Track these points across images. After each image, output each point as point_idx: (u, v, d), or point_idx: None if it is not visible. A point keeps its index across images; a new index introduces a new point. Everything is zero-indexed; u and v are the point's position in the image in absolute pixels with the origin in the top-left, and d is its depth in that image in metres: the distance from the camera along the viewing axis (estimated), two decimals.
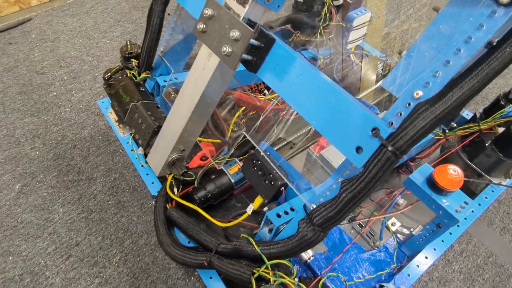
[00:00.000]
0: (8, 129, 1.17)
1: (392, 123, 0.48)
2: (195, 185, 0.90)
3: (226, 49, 0.53)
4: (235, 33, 0.51)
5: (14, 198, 1.01)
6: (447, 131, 0.98)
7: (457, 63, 0.44)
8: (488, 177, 0.94)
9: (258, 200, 0.76)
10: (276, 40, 0.56)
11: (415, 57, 0.47)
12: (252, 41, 0.54)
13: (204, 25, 0.55)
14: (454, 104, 0.42)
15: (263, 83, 1.20)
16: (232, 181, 0.90)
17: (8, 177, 1.05)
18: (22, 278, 0.86)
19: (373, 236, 0.88)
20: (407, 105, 0.47)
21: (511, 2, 0.39)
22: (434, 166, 0.72)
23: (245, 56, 0.55)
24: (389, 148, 0.45)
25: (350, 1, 1.20)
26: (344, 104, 0.50)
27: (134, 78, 0.86)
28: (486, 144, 0.92)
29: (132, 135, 1.03)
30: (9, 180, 1.04)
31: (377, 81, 1.27)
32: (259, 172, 0.73)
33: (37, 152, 1.12)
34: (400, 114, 0.47)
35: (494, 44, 0.42)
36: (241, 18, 0.52)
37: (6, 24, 1.55)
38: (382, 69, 1.30)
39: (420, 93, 0.46)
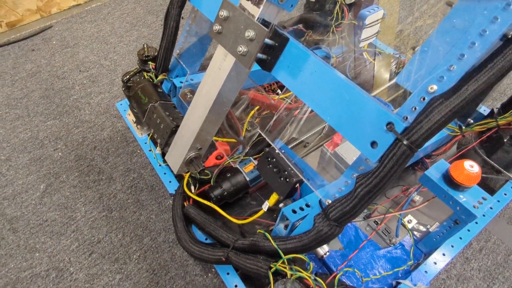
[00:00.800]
0: (32, 131, 1.23)
1: (406, 118, 0.48)
2: (211, 183, 0.92)
3: (242, 48, 0.54)
4: (250, 33, 0.53)
5: (39, 197, 1.05)
6: (463, 127, 0.97)
7: (472, 57, 0.44)
8: (507, 173, 0.93)
9: (274, 197, 0.77)
10: (290, 39, 0.57)
11: (429, 51, 0.48)
12: (267, 40, 0.55)
13: (220, 26, 0.57)
14: (469, 97, 0.42)
15: (276, 83, 1.21)
16: (247, 179, 0.92)
17: (33, 178, 1.10)
18: (48, 274, 0.90)
19: (389, 233, 0.88)
20: (422, 99, 0.47)
21: None
22: (450, 163, 0.71)
23: (260, 55, 0.57)
24: (404, 142, 0.46)
25: None
26: (359, 100, 0.50)
27: (151, 80, 0.88)
28: (505, 140, 0.90)
29: (150, 135, 1.06)
30: (34, 181, 1.09)
31: (390, 79, 1.26)
32: (274, 170, 0.74)
33: (60, 154, 1.16)
34: (415, 108, 0.48)
35: (510, 36, 0.42)
36: (255, 19, 0.53)
37: (28, 31, 1.61)
38: (395, 67, 1.29)
39: (435, 87, 0.46)
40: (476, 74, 0.43)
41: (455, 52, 0.45)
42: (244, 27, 0.54)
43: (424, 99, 0.47)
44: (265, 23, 0.55)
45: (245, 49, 0.54)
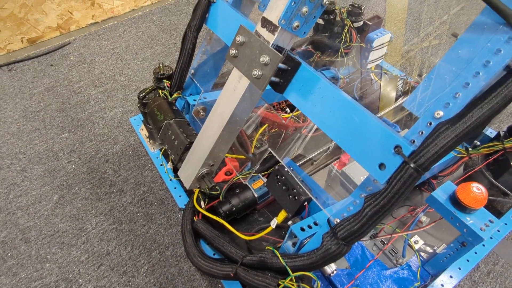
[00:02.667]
0: (48, 144, 1.27)
1: (414, 141, 0.50)
2: (220, 199, 0.94)
3: (256, 72, 0.57)
4: (265, 58, 0.56)
5: (52, 208, 1.08)
6: (470, 149, 0.98)
7: (476, 85, 0.46)
8: None
9: (282, 214, 0.78)
10: (302, 63, 0.61)
11: (436, 79, 0.50)
12: (280, 64, 0.58)
13: (236, 51, 0.61)
14: (474, 124, 0.45)
15: (285, 101, 1.24)
16: (256, 195, 0.94)
17: (47, 189, 1.13)
18: (57, 285, 0.92)
19: (396, 253, 0.88)
20: (428, 124, 0.49)
21: None
22: (457, 184, 0.72)
23: (273, 78, 0.60)
24: (412, 165, 0.47)
25: (370, 23, 1.24)
26: (368, 123, 0.53)
27: (166, 98, 0.92)
28: (511, 163, 0.91)
29: (162, 150, 1.09)
30: (47, 192, 1.12)
31: (396, 99, 1.29)
32: (284, 187, 0.76)
33: (73, 166, 1.20)
34: (422, 133, 0.50)
35: None
36: (270, 45, 0.56)
37: (48, 47, 1.69)
38: (402, 87, 1.32)
39: (441, 113, 0.48)
40: (480, 102, 0.45)
41: (460, 81, 0.47)
42: (259, 52, 0.57)
43: (430, 124, 0.49)
44: (279, 48, 0.58)
45: (259, 73, 0.57)
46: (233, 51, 0.61)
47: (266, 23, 0.57)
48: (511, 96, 0.44)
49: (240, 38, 0.59)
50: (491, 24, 0.45)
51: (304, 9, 0.54)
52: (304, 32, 0.59)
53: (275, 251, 0.67)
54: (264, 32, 0.58)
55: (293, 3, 0.53)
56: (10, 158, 1.22)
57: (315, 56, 1.31)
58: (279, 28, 0.55)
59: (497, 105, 0.44)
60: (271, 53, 0.56)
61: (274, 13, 0.55)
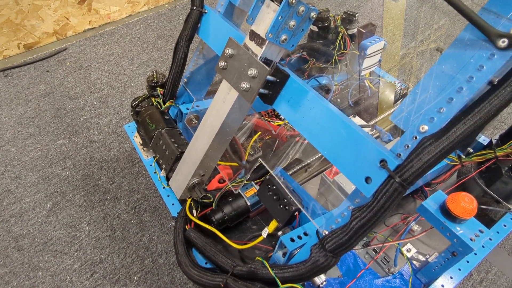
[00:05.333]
0: (43, 150, 1.27)
1: (400, 155, 0.50)
2: (213, 207, 0.94)
3: (245, 85, 0.58)
4: (252, 71, 0.56)
5: (45, 215, 1.08)
6: (463, 156, 0.98)
7: (460, 101, 0.47)
8: (507, 204, 0.93)
9: (273, 224, 0.78)
10: (291, 75, 0.61)
11: (421, 93, 0.51)
12: (269, 77, 0.59)
13: (225, 63, 0.61)
14: (457, 140, 0.45)
15: None
16: (248, 203, 0.94)
17: (40, 196, 1.13)
18: None
19: (388, 262, 0.88)
20: (414, 138, 0.50)
21: (508, 46, 0.42)
22: (450, 192, 0.73)
23: (262, 90, 0.60)
24: (397, 180, 0.48)
25: (364, 31, 1.25)
26: (354, 137, 0.53)
27: (159, 106, 0.92)
28: (503, 171, 0.91)
29: (156, 158, 1.09)
30: (41, 199, 1.12)
31: (394, 105, 1.30)
32: (274, 197, 0.76)
33: (68, 173, 1.20)
34: (408, 146, 0.50)
35: (495, 83, 0.45)
36: (258, 58, 0.57)
37: (44, 53, 1.69)
38: (400, 93, 1.33)
39: (426, 127, 0.49)
40: (464, 117, 0.46)
41: (444, 96, 0.48)
42: (247, 65, 0.58)
43: (416, 138, 0.49)
44: (267, 61, 0.59)
45: (247, 85, 0.58)
46: (222, 63, 0.61)
47: (254, 36, 0.57)
48: (494, 111, 0.44)
49: (229, 51, 0.60)
50: (474, 41, 0.45)
51: (292, 23, 0.55)
52: (293, 45, 0.60)
53: (265, 262, 0.67)
54: (252, 45, 0.58)
55: (280, 17, 0.53)
56: (5, 164, 1.22)
57: (310, 62, 1.32)
58: (267, 41, 0.56)
59: (480, 121, 0.45)
60: (259, 66, 0.56)
61: (261, 27, 0.56)
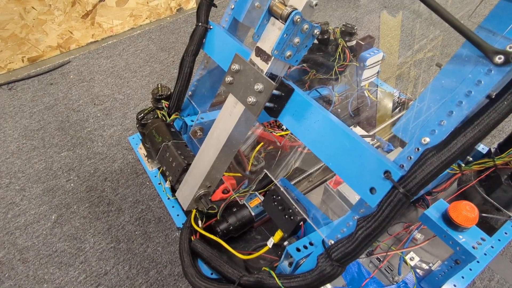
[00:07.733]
0: (47, 162, 1.28)
1: (403, 166, 0.52)
2: (218, 217, 0.95)
3: (251, 99, 0.60)
4: (259, 86, 0.58)
5: (50, 228, 1.09)
6: (463, 165, 1.00)
7: (460, 114, 0.49)
8: (507, 212, 0.95)
9: (278, 234, 0.80)
10: (295, 89, 0.63)
11: (422, 106, 0.53)
12: (274, 91, 0.61)
13: (232, 78, 0.63)
14: (458, 151, 0.47)
15: None
16: (253, 214, 0.95)
17: (45, 208, 1.14)
18: None
19: (392, 270, 0.89)
20: (416, 150, 0.51)
21: (504, 62, 0.44)
22: (451, 200, 0.74)
23: (267, 104, 0.62)
24: (400, 190, 0.49)
25: (363, 43, 1.28)
26: (358, 149, 0.55)
27: (164, 118, 0.94)
28: (503, 179, 0.93)
29: (160, 169, 1.10)
30: (46, 211, 1.13)
31: (392, 116, 1.32)
32: (279, 207, 0.77)
33: (72, 184, 1.21)
34: (410, 158, 0.52)
35: (493, 97, 0.47)
36: (264, 73, 0.59)
37: (48, 66, 1.72)
38: (398, 102, 1.35)
39: (427, 139, 0.50)
40: (464, 130, 0.48)
41: (444, 109, 0.50)
42: (253, 80, 0.60)
43: (418, 149, 0.51)
44: (273, 76, 0.61)
45: (254, 100, 0.60)
46: (228, 78, 0.63)
47: (260, 52, 0.60)
48: (493, 124, 0.46)
49: (235, 66, 0.62)
50: (471, 57, 0.47)
51: (296, 39, 0.57)
52: (296, 60, 0.62)
53: (271, 272, 0.68)
54: (258, 61, 0.60)
55: (285, 34, 0.55)
56: (9, 177, 1.23)
57: (310, 74, 1.34)
58: (272, 57, 0.58)
59: (480, 133, 0.46)
60: (265, 81, 0.58)
61: (267, 44, 0.58)
